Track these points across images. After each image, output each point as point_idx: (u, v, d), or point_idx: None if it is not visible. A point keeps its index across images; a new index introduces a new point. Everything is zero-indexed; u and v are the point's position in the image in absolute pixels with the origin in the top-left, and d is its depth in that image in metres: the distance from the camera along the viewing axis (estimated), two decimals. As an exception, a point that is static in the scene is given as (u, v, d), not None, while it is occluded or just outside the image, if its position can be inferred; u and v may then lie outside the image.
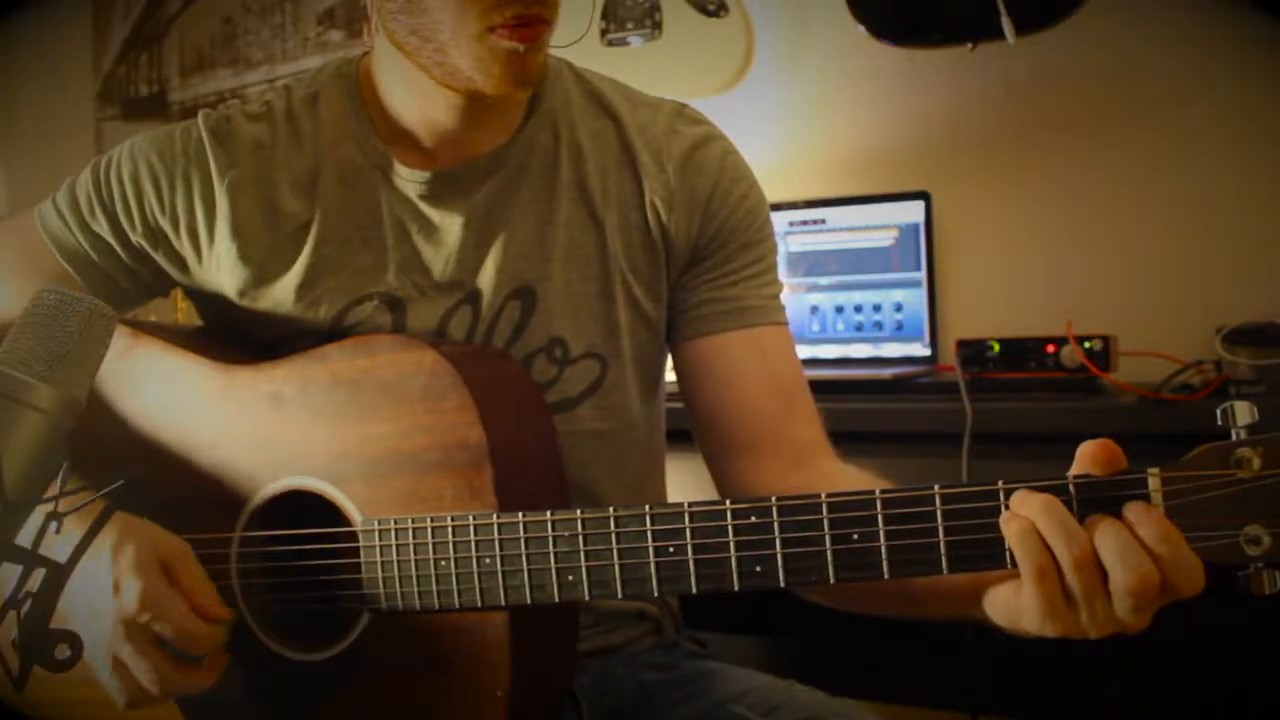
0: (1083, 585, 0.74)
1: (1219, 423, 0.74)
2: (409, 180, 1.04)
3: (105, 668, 0.92)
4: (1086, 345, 1.62)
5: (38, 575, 0.74)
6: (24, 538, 0.73)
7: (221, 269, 1.06)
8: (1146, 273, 1.91)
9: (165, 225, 1.06)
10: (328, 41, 2.78)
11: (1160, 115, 1.91)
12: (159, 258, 1.08)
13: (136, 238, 1.07)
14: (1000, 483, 0.78)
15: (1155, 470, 0.75)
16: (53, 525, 0.73)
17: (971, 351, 1.69)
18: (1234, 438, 0.74)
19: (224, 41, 2.95)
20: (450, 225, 1.05)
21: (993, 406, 1.57)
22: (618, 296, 1.07)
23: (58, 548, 0.74)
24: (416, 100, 1.02)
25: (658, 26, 2.01)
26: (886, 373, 1.79)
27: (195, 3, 3.01)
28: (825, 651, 1.06)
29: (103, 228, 1.07)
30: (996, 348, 1.68)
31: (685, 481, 1.23)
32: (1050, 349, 1.65)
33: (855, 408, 1.66)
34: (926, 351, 1.94)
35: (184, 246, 1.07)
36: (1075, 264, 1.96)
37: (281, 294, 1.06)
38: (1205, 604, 0.75)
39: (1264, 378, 1.61)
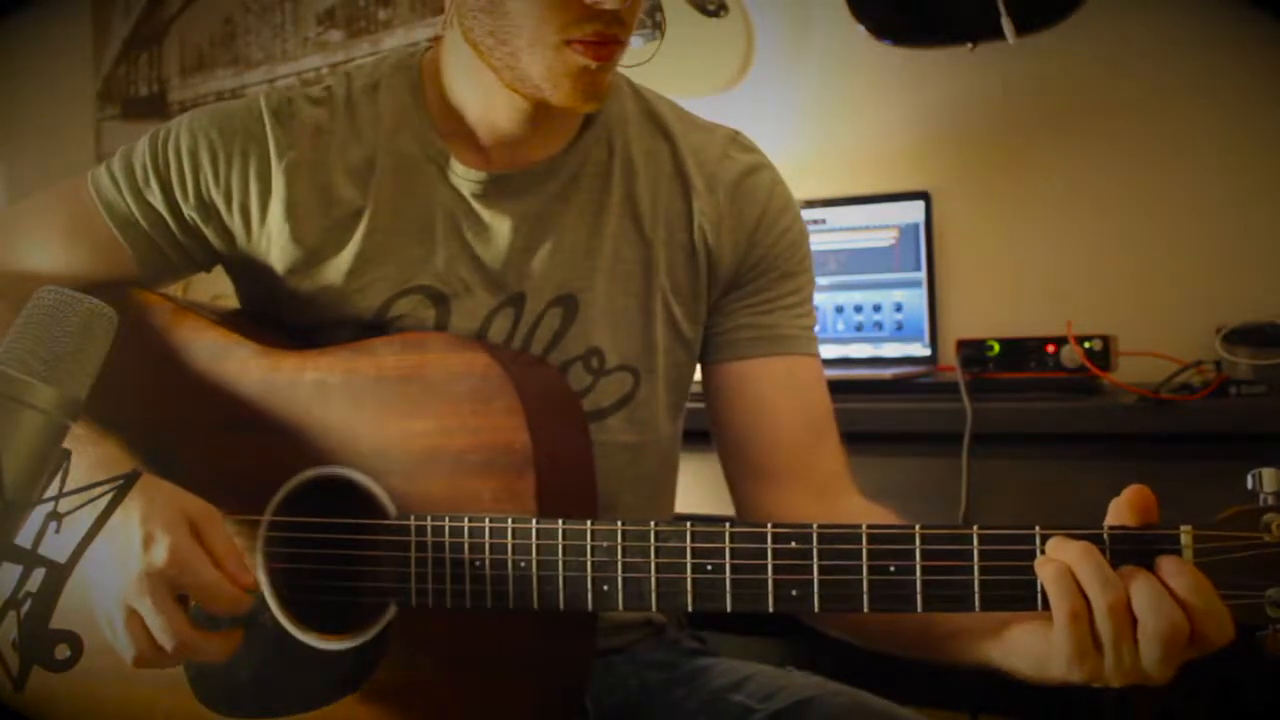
0: (1114, 631, 0.76)
1: (1248, 487, 0.78)
2: (464, 179, 1.05)
3: (119, 620, 0.91)
4: (1086, 345, 1.62)
5: (38, 575, 0.74)
6: (24, 538, 0.73)
7: (272, 248, 1.07)
8: (1146, 273, 1.91)
9: (218, 199, 1.06)
10: (328, 41, 2.78)
11: (1160, 115, 1.91)
12: (208, 232, 1.08)
13: (189, 210, 1.07)
14: (1037, 527, 0.80)
15: (1188, 527, 0.78)
16: (53, 525, 0.73)
17: (971, 351, 1.69)
18: (1262, 503, 0.77)
19: (224, 41, 2.95)
20: (500, 227, 1.05)
21: (993, 406, 1.57)
22: (657, 313, 1.08)
23: (59, 545, 0.74)
24: (480, 99, 1.03)
25: (658, 26, 2.01)
26: (886, 373, 1.79)
27: (195, 3, 3.01)
28: (825, 651, 1.06)
29: (156, 198, 1.07)
30: (996, 348, 1.68)
31: (685, 481, 1.23)
32: (1050, 349, 1.65)
33: (855, 408, 1.65)
34: (926, 351, 1.94)
35: (234, 222, 1.07)
36: (1075, 264, 1.96)
37: (328, 279, 1.06)
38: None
39: (1264, 378, 1.60)
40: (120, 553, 0.90)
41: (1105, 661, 0.77)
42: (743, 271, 1.10)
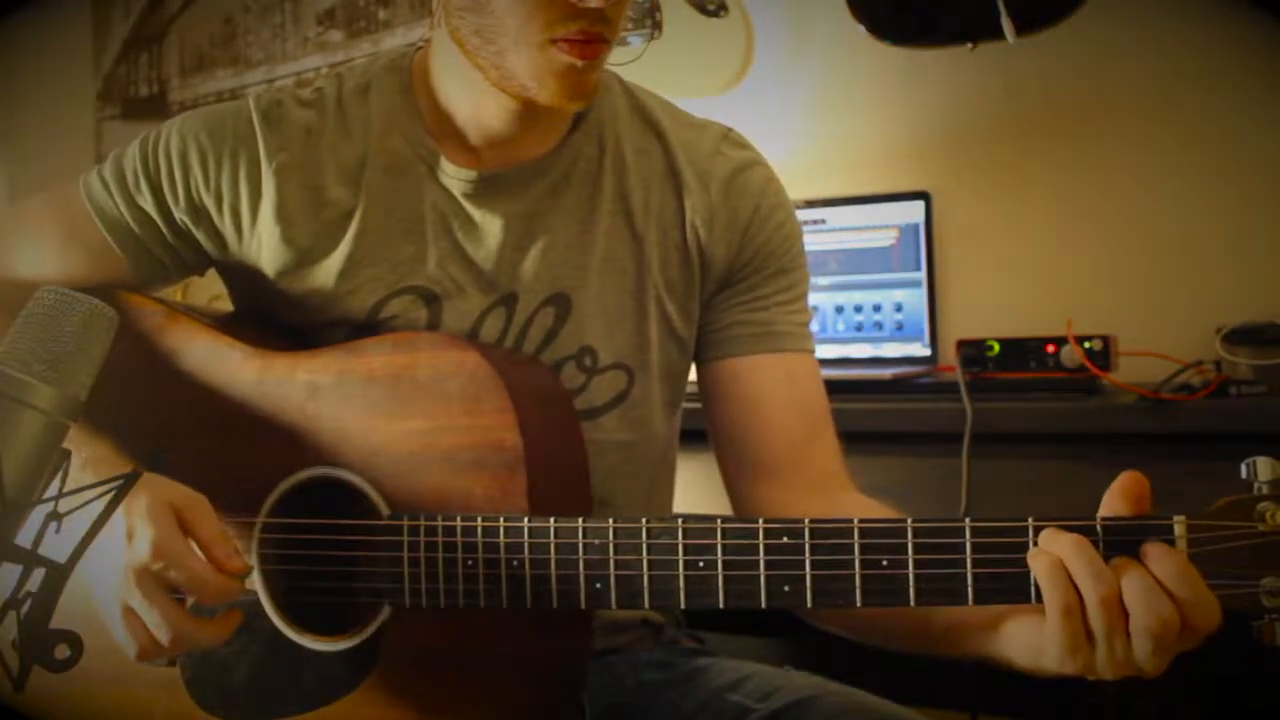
0: (1105, 624, 0.76)
1: (1243, 476, 0.77)
2: (454, 178, 1.05)
3: (117, 618, 0.91)
4: (1086, 345, 1.62)
5: (38, 575, 0.74)
6: (24, 538, 0.73)
7: (263, 250, 1.07)
8: (1146, 273, 1.91)
9: (209, 203, 1.06)
10: (328, 41, 2.78)
11: (1160, 114, 1.91)
12: (199, 235, 1.08)
13: (179, 214, 1.07)
14: (1030, 519, 0.80)
15: (1181, 517, 0.77)
16: (53, 525, 0.73)
17: (971, 351, 1.69)
18: (1256, 491, 0.76)
19: (224, 41, 2.95)
20: (491, 226, 1.05)
21: (993, 406, 1.57)
22: (650, 311, 1.08)
23: (59, 545, 0.74)
24: (469, 99, 1.03)
25: (658, 26, 2.01)
26: (886, 373, 1.79)
27: (195, 3, 3.01)
28: (825, 650, 1.06)
29: (147, 202, 1.07)
30: (996, 348, 1.68)
31: (684, 481, 1.23)
32: (1050, 349, 1.65)
33: (855, 408, 1.66)
34: (926, 351, 1.94)
35: (225, 225, 1.07)
36: (1075, 264, 1.96)
37: (320, 280, 1.06)
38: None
39: (1264, 378, 1.61)
40: (107, 551, 0.90)
41: (1097, 654, 0.77)
42: (736, 268, 1.09)
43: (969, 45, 1.78)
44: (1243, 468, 0.77)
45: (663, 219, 1.08)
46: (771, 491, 1.07)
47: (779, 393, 1.08)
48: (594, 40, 0.92)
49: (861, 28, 1.87)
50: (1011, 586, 0.79)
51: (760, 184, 1.10)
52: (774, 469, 1.08)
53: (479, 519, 0.91)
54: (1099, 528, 0.78)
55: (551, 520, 0.89)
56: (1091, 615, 0.76)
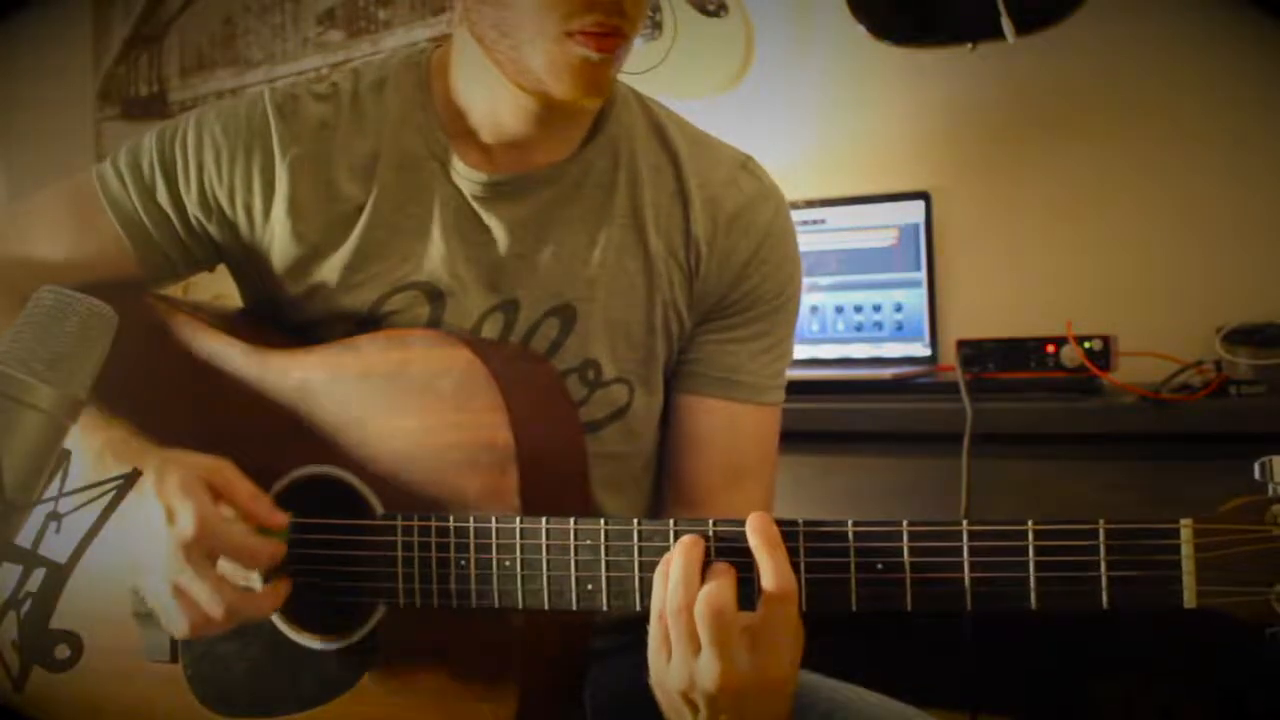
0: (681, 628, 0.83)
1: (1256, 476, 0.74)
2: (466, 178, 1.05)
3: (166, 598, 0.91)
4: (1086, 345, 1.62)
5: (37, 575, 0.74)
6: (24, 538, 0.73)
7: (274, 244, 1.06)
8: (1146, 273, 1.91)
9: (222, 198, 1.06)
10: (328, 41, 2.78)
11: (1160, 115, 1.91)
12: (211, 228, 1.08)
13: (192, 208, 1.07)
14: (1030, 523, 0.78)
15: (1188, 520, 0.74)
16: (53, 525, 0.73)
17: (971, 351, 1.69)
18: (1271, 493, 0.73)
19: (224, 41, 2.96)
20: (499, 229, 1.05)
21: (993, 406, 1.57)
22: (658, 326, 1.08)
23: (59, 546, 0.74)
24: (486, 96, 1.02)
25: (658, 26, 2.01)
26: (886, 373, 1.79)
27: (195, 3, 3.02)
28: (824, 649, 1.06)
29: (161, 195, 1.06)
30: (996, 348, 1.68)
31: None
32: (1050, 349, 1.65)
33: (855, 408, 1.66)
34: (926, 351, 1.94)
35: (238, 219, 1.07)
36: (1075, 264, 1.96)
37: (326, 274, 1.06)
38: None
39: (1264, 378, 1.61)
40: (148, 534, 0.90)
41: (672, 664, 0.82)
42: (723, 305, 1.09)
43: (969, 45, 1.78)
44: (1256, 468, 0.74)
45: (671, 238, 1.08)
46: (676, 515, 1.08)
47: (714, 438, 1.09)
48: (610, 33, 0.92)
49: (861, 28, 1.87)
50: (1009, 591, 0.78)
51: (765, 224, 1.09)
52: (684, 500, 1.09)
53: (471, 519, 0.91)
54: (1102, 532, 0.76)
55: (544, 520, 0.89)
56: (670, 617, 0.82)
